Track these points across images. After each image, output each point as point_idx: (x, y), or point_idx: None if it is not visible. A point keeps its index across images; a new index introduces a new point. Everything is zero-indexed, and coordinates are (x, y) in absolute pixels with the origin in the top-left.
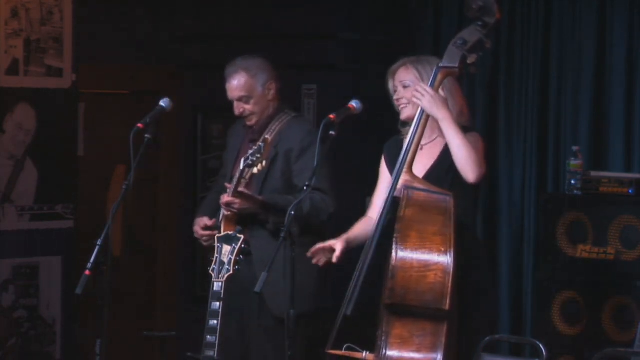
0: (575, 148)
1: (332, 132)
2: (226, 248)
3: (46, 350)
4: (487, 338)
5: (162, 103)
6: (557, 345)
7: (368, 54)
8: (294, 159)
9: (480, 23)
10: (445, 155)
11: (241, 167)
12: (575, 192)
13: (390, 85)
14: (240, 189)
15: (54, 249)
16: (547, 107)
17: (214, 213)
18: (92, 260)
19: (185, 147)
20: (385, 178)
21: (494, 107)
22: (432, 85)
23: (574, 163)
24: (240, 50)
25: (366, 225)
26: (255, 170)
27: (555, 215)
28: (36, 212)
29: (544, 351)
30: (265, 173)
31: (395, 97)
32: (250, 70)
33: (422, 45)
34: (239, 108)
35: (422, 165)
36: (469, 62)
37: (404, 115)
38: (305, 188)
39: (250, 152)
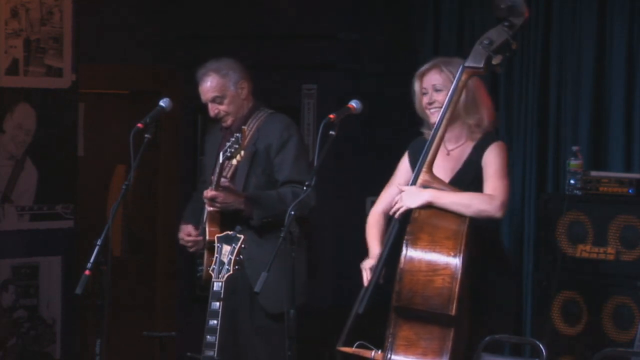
0: (575, 148)
1: (332, 132)
2: (226, 248)
3: (46, 350)
4: (487, 338)
5: (162, 103)
6: (557, 345)
7: (368, 54)
8: (273, 153)
9: (507, 23)
10: (471, 163)
11: (220, 160)
12: (575, 192)
13: (417, 87)
14: (226, 183)
15: (54, 249)
16: (547, 107)
17: (197, 219)
18: (92, 260)
19: (185, 147)
20: (403, 173)
21: (494, 107)
22: (455, 86)
23: (574, 163)
24: (240, 50)
25: (383, 223)
26: (234, 161)
27: (555, 215)
28: (36, 212)
29: (544, 351)
30: (247, 170)
31: (425, 101)
32: (220, 71)
33: (422, 45)
34: (213, 109)
35: (448, 170)
36: (494, 62)
37: (434, 119)
38: (305, 188)
39: (228, 143)
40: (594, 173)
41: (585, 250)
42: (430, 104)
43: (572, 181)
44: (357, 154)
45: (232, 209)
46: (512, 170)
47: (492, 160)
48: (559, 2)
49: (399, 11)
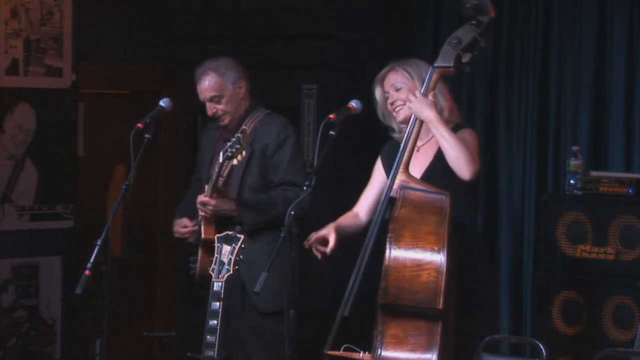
0: (575, 148)
1: (332, 132)
2: (226, 248)
3: (46, 350)
4: (487, 338)
5: (162, 103)
6: (557, 345)
7: (368, 54)
8: (269, 154)
9: (474, 22)
10: (441, 154)
11: (220, 159)
12: (575, 192)
13: (378, 93)
14: (221, 182)
15: (54, 249)
16: (547, 107)
17: (191, 214)
18: (92, 260)
19: (185, 147)
20: (377, 178)
21: (494, 107)
22: (427, 85)
23: (574, 163)
24: (240, 50)
25: (354, 219)
26: (235, 161)
27: (555, 215)
28: (36, 212)
29: (544, 351)
30: (243, 171)
31: (389, 101)
32: (219, 70)
33: (422, 45)
34: (211, 109)
35: (418, 166)
36: (463, 61)
37: (401, 117)
38: (305, 188)
39: (229, 143)
40: (594, 173)
41: (585, 250)
42: (393, 103)
43: (572, 181)
44: (357, 154)
45: (223, 215)
46: (510, 169)
47: (463, 138)
48: (559, 2)
49: (399, 11)
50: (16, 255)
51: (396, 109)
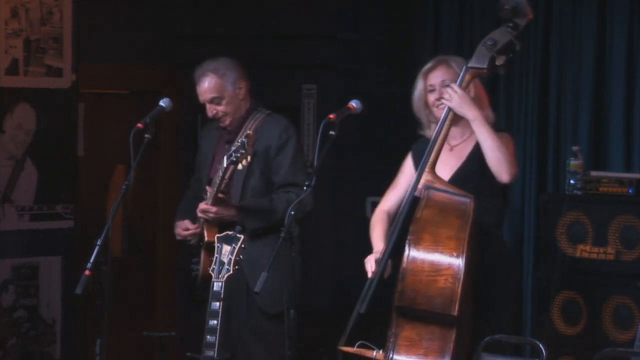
0: (575, 148)
1: (332, 132)
2: (226, 248)
3: (46, 350)
4: (487, 338)
5: (162, 103)
6: (557, 345)
7: (368, 54)
8: (272, 155)
9: (511, 24)
10: (475, 155)
11: (224, 164)
12: (575, 192)
13: (421, 85)
14: (220, 195)
15: (54, 249)
16: (547, 107)
17: (191, 216)
18: (92, 260)
19: (185, 147)
20: (405, 175)
21: (494, 107)
22: (459, 85)
23: (574, 163)
24: (240, 50)
25: (388, 222)
26: (239, 166)
27: (555, 215)
28: (36, 212)
29: (544, 351)
30: (245, 173)
31: (434, 97)
32: (218, 71)
33: (422, 45)
34: (211, 110)
35: (449, 166)
36: (497, 63)
37: (442, 113)
38: (305, 188)
39: (234, 148)
40: (594, 173)
41: (585, 250)
42: (439, 99)
43: (572, 181)
44: (357, 154)
45: (225, 222)
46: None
47: (502, 141)
48: (559, 2)
49: (399, 11)
50: (16, 255)
51: (439, 105)
